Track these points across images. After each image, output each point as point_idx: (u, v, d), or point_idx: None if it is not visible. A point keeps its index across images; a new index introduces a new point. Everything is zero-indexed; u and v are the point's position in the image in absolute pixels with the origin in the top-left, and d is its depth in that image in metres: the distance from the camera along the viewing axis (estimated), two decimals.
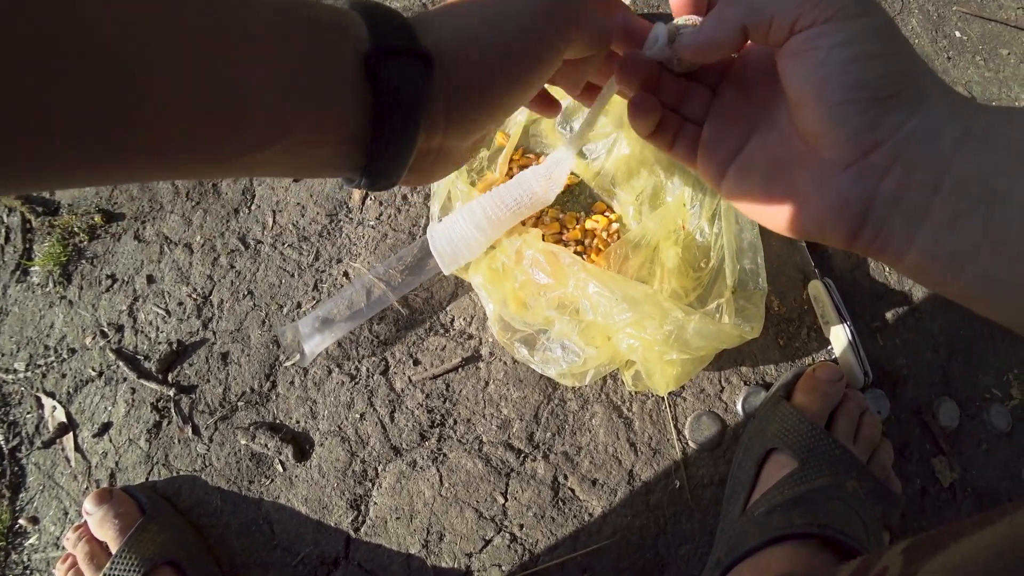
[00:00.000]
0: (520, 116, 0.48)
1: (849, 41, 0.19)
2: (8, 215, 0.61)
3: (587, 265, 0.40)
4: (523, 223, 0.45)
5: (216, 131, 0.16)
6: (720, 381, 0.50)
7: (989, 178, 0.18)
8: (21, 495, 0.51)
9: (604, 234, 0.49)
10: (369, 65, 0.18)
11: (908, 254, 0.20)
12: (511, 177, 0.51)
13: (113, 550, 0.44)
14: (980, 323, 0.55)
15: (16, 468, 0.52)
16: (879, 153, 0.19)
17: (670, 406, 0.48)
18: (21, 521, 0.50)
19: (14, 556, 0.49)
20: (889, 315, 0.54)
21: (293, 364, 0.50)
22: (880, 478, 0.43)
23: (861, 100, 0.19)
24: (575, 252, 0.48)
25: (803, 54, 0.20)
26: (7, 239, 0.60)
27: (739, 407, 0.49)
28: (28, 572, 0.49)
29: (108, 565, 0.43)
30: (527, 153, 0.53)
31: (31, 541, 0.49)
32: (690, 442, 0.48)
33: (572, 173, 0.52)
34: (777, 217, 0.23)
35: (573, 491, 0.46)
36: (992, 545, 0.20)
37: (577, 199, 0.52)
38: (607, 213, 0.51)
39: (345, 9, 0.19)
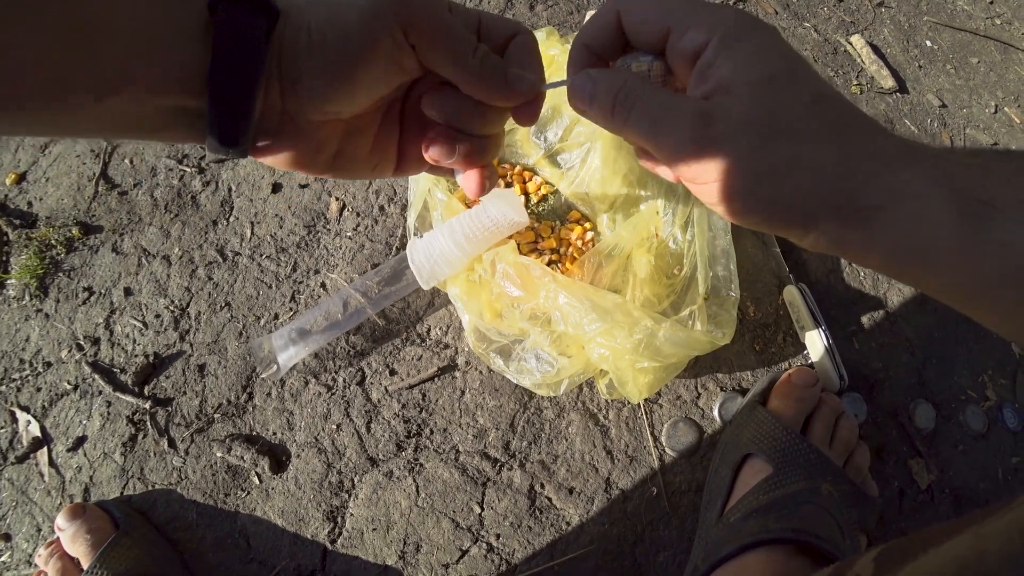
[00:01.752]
0: None
1: (716, 189, 0.21)
2: None
3: (557, 276, 0.41)
4: None
5: (67, 69, 0.17)
6: (696, 387, 0.50)
7: (902, 273, 0.20)
8: None
9: (579, 242, 0.49)
10: (212, 10, 0.19)
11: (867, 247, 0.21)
12: None
13: (85, 566, 0.43)
14: (954, 326, 0.55)
15: None
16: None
17: (646, 413, 0.48)
18: None
19: None
20: (865, 319, 0.55)
21: (268, 376, 0.50)
22: (856, 481, 0.43)
23: (754, 222, 0.21)
24: (550, 261, 0.48)
25: (691, 184, 0.22)
26: None
27: (715, 413, 0.49)
28: None
29: None
30: (503, 163, 0.54)
31: (3, 559, 0.49)
32: (667, 449, 0.48)
33: (547, 183, 0.53)
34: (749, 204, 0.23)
35: (550, 500, 0.46)
36: (958, 557, 0.20)
37: (552, 208, 0.53)
38: (582, 222, 0.51)
39: None
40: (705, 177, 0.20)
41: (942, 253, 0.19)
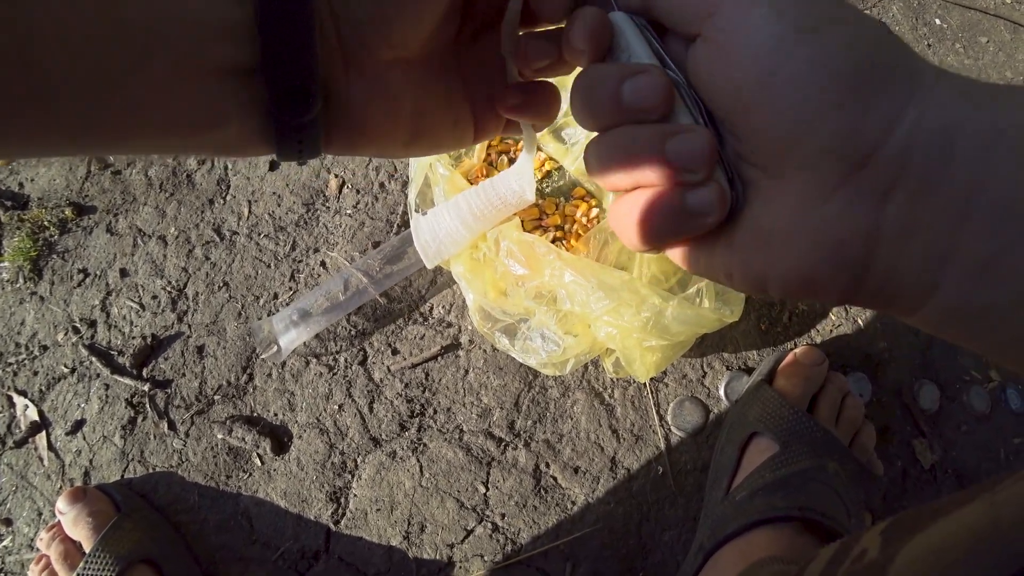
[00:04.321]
0: None
1: (772, 13, 0.14)
2: None
3: (563, 254, 0.40)
4: None
5: (88, 33, 0.13)
6: (702, 366, 0.49)
7: None
8: None
9: (584, 219, 0.48)
10: None
11: (923, 308, 0.14)
12: (489, 162, 0.50)
13: (87, 549, 0.43)
14: None
15: None
16: (872, 168, 0.14)
17: (652, 392, 0.48)
18: None
19: None
20: None
21: (269, 358, 0.49)
22: (862, 460, 0.43)
23: (828, 90, 0.14)
24: (555, 238, 0.48)
25: (723, 43, 0.15)
26: None
27: (721, 392, 0.48)
28: (2, 575, 0.48)
29: (81, 564, 0.42)
30: (505, 139, 0.53)
31: (5, 543, 0.48)
32: (673, 428, 0.47)
33: (550, 158, 0.52)
34: (747, 274, 0.17)
35: (555, 479, 0.46)
36: (971, 525, 0.19)
37: (556, 184, 0.52)
38: (587, 198, 0.50)
39: None
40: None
41: None
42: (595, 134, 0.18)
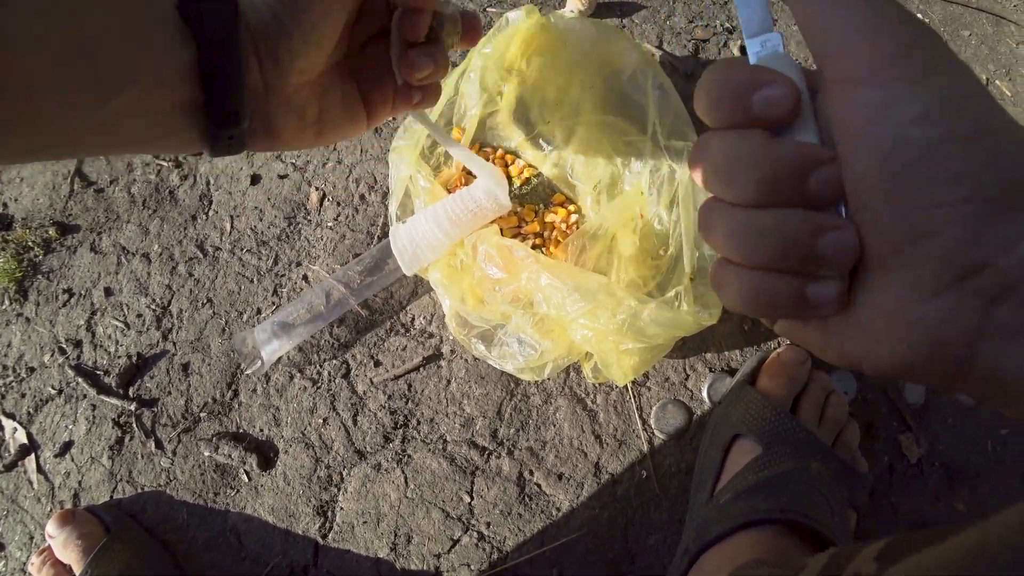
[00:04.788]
0: (474, 110, 0.48)
1: (926, 116, 0.14)
2: None
3: (540, 257, 0.40)
4: None
5: (74, 74, 0.19)
6: (685, 368, 0.49)
7: None
8: None
9: (563, 226, 0.48)
10: (183, 10, 0.21)
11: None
12: (467, 171, 0.50)
13: (77, 572, 0.43)
14: None
15: None
16: (984, 277, 0.14)
17: (635, 396, 0.48)
18: None
19: None
20: None
21: (253, 372, 0.49)
22: (845, 459, 0.43)
23: (969, 200, 0.14)
24: (534, 245, 0.48)
25: (864, 128, 0.14)
26: None
27: (705, 394, 0.48)
28: None
29: None
30: (484, 147, 0.53)
31: None
32: (656, 431, 0.47)
33: (529, 165, 0.52)
34: (841, 354, 0.17)
35: (539, 486, 0.46)
36: (963, 546, 0.19)
37: (536, 191, 0.52)
38: (566, 204, 0.50)
39: None
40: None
41: None
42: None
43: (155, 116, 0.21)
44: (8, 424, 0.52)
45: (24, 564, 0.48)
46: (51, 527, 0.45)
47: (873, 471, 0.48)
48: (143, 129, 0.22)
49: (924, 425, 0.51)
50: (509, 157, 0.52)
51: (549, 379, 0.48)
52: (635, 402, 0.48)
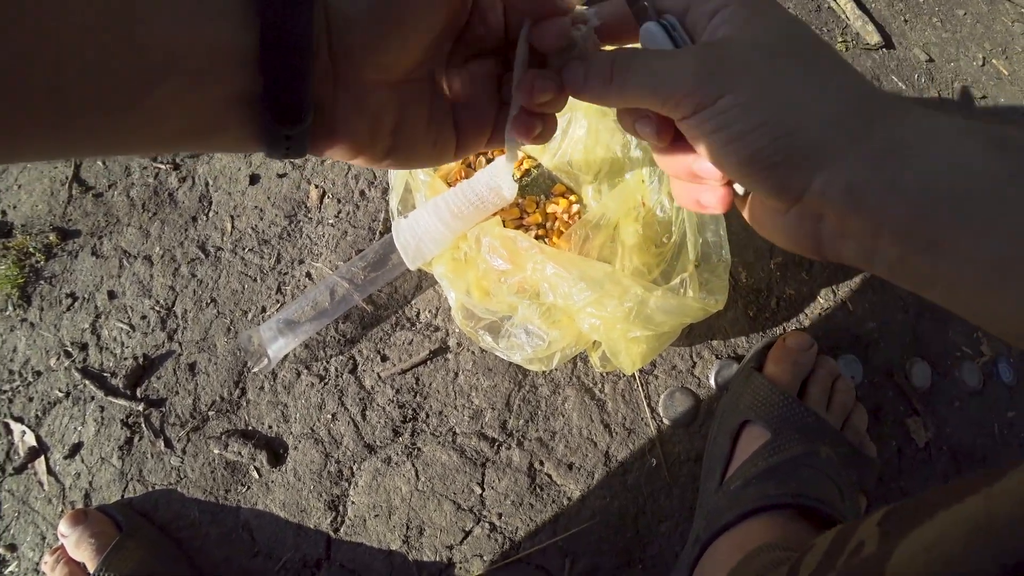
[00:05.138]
0: None
1: (720, 127, 0.20)
2: None
3: (544, 247, 0.40)
4: None
5: (108, 56, 0.15)
6: (691, 356, 0.49)
7: (931, 229, 0.17)
8: None
9: (565, 216, 0.48)
10: None
11: (874, 270, 0.21)
12: (467, 164, 0.50)
13: (91, 570, 0.43)
14: None
15: None
16: (804, 204, 0.20)
17: (642, 384, 0.48)
18: None
19: None
20: (857, 279, 0.54)
21: (260, 370, 0.49)
22: (854, 443, 0.43)
23: (758, 170, 0.20)
24: (537, 236, 0.47)
25: (696, 139, 0.21)
26: None
27: (712, 381, 0.48)
28: None
29: None
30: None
31: (10, 569, 0.49)
32: (664, 419, 0.47)
33: (529, 157, 0.51)
34: (761, 230, 0.24)
35: (550, 476, 0.46)
36: (968, 519, 0.20)
37: (536, 182, 0.52)
38: (567, 195, 0.50)
39: None
40: (708, 118, 0.20)
41: (979, 196, 0.17)
42: None
43: (203, 108, 0.18)
44: (17, 427, 0.52)
45: (37, 564, 0.48)
46: (63, 526, 0.45)
47: (881, 455, 0.48)
48: (191, 122, 0.18)
49: (931, 409, 0.51)
50: None
51: (556, 369, 0.48)
52: (643, 391, 0.48)
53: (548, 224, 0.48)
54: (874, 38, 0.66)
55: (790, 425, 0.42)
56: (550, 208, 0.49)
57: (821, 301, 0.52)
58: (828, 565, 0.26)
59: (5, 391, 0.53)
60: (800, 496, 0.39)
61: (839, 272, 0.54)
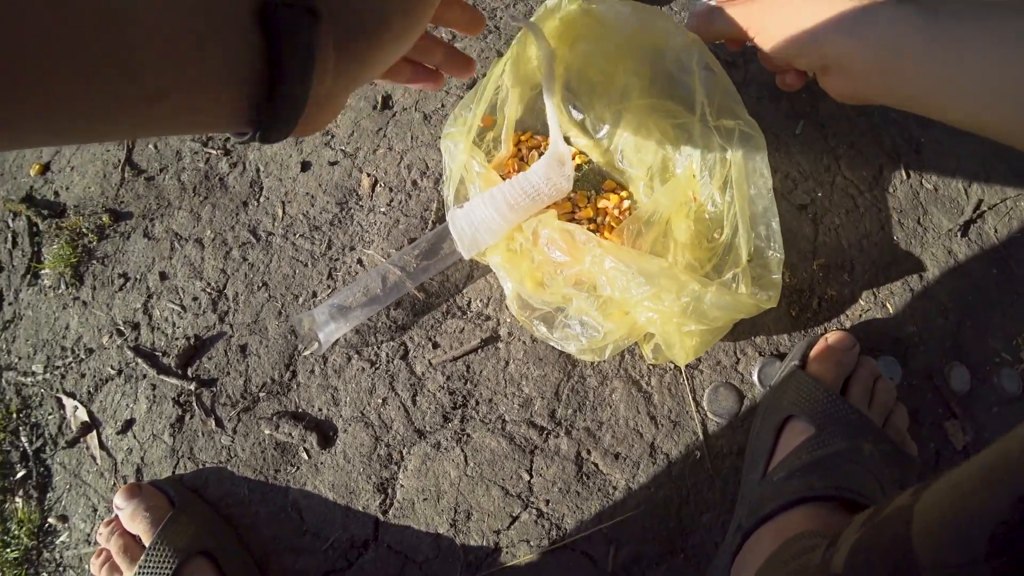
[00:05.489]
0: (515, 99, 0.48)
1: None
2: (13, 219, 0.61)
3: (602, 241, 0.41)
4: None
5: (109, 71, 0.16)
6: (735, 352, 0.50)
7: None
8: (48, 495, 0.51)
9: (616, 212, 0.49)
10: (266, 13, 0.19)
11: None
12: (520, 157, 0.51)
13: (146, 543, 0.44)
14: (989, 289, 0.55)
15: (42, 468, 0.52)
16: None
17: (688, 379, 0.49)
18: (51, 520, 0.51)
19: (46, 554, 0.50)
20: (898, 283, 0.55)
21: (311, 353, 0.50)
22: (896, 441, 0.44)
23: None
24: (588, 230, 0.48)
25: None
26: (15, 243, 0.60)
27: (755, 377, 0.49)
28: (61, 569, 0.49)
29: (143, 557, 0.43)
30: (535, 134, 0.53)
31: (62, 539, 0.50)
32: (709, 413, 0.48)
33: (580, 152, 0.52)
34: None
35: (596, 465, 0.47)
36: (984, 462, 0.22)
37: (587, 178, 0.53)
38: (617, 191, 0.51)
39: None
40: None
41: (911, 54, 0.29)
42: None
43: (197, 118, 0.20)
44: (69, 403, 0.54)
45: (88, 535, 0.50)
46: (119, 499, 0.46)
47: (920, 457, 0.49)
48: (189, 123, 0.20)
49: (969, 413, 0.52)
50: None
51: (605, 362, 0.49)
52: (688, 384, 0.49)
53: (599, 219, 0.49)
54: None
55: (834, 421, 0.43)
56: (601, 203, 0.50)
57: (862, 303, 0.53)
58: (866, 525, 0.28)
59: (58, 367, 0.54)
60: (844, 489, 0.39)
61: (880, 275, 0.54)
